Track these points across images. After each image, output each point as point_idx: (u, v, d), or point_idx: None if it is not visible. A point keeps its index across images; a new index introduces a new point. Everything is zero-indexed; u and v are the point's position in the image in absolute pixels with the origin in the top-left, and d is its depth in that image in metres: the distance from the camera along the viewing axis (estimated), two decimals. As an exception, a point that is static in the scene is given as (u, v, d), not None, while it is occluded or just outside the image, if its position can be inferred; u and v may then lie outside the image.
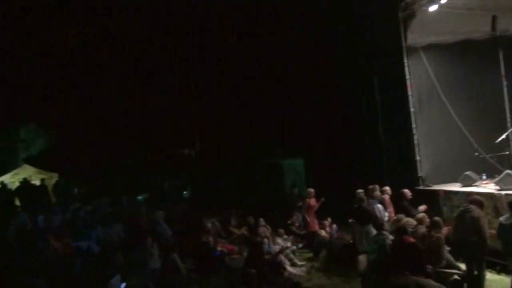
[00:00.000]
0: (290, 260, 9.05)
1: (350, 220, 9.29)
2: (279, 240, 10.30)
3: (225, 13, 22.76)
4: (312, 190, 11.42)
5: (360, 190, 9.20)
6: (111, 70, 24.81)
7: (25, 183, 16.41)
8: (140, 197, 15.94)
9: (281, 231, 10.92)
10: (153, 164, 21.68)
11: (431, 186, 10.35)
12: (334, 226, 10.99)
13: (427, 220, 7.39)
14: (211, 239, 9.44)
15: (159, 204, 12.84)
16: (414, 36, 10.98)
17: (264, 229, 10.16)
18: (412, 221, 7.51)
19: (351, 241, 8.96)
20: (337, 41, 16.83)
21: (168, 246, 8.25)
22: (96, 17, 25.06)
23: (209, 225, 10.51)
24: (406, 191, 9.07)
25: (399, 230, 6.54)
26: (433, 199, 9.49)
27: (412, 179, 10.64)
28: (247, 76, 22.47)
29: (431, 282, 5.73)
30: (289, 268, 8.43)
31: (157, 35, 24.46)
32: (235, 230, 11.59)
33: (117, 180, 18.48)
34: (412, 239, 6.37)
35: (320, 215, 11.28)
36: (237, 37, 22.96)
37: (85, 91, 25.18)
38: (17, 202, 15.51)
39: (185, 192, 19.12)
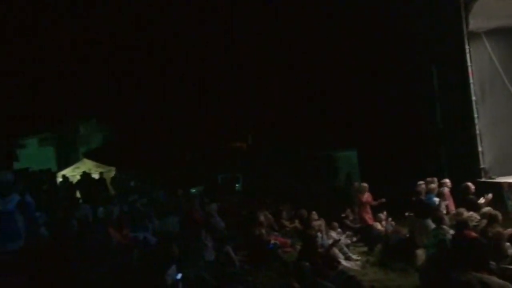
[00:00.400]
0: (344, 254, 8.94)
1: (407, 213, 9.04)
2: (332, 233, 10.20)
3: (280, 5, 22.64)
4: (365, 185, 11.17)
5: (420, 182, 8.93)
6: (166, 67, 25.42)
7: (85, 176, 17.17)
8: (194, 190, 16.28)
9: (335, 224, 10.80)
10: (206, 158, 22.05)
11: (494, 178, 9.90)
12: (391, 220, 10.73)
13: (494, 214, 7.02)
14: (264, 231, 9.49)
15: (212, 196, 13.04)
16: (476, 21, 10.47)
17: (318, 222, 10.08)
18: (475, 216, 7.20)
19: (407, 235, 8.73)
20: (392, 27, 16.29)
21: (222, 238, 8.39)
22: (154, 19, 25.77)
23: (262, 217, 10.58)
24: (470, 184, 8.70)
25: (460, 224, 6.29)
26: (497, 192, 9.05)
27: (474, 171, 10.21)
28: (297, 68, 22.33)
29: (496, 279, 5.46)
30: (344, 262, 8.32)
31: (210, 32, 24.73)
32: (288, 223, 11.60)
33: (172, 173, 18.94)
34: (474, 234, 6.11)
35: (375, 209, 11.05)
36: (284, 29, 22.82)
37: (143, 87, 25.97)
38: (78, 195, 16.29)
39: (237, 185, 19.34)
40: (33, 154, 26.15)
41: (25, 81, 24.62)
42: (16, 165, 24.59)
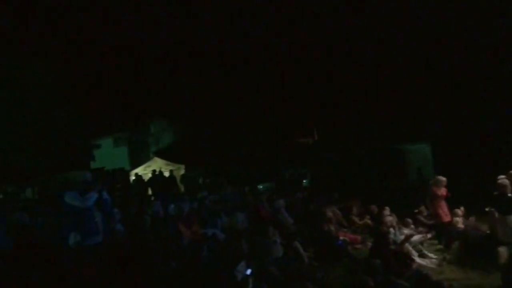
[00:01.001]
0: (418, 251, 8.61)
1: (487, 209, 8.54)
2: (405, 230, 9.86)
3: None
4: (443, 178, 10.61)
5: (502, 176, 8.40)
6: (234, 67, 25.85)
7: (156, 174, 17.85)
8: (261, 186, 16.42)
9: (408, 220, 10.43)
10: (273, 154, 22.15)
11: None
12: (469, 216, 10.18)
13: None
14: (333, 228, 9.39)
15: (280, 193, 13.08)
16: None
17: (390, 218, 9.79)
18: None
19: (488, 232, 8.25)
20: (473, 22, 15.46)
21: (290, 235, 8.39)
22: (225, 21, 26.36)
23: (330, 213, 10.46)
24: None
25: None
26: None
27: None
28: (365, 60, 21.85)
29: None
30: (418, 260, 8.03)
31: (277, 31, 24.82)
32: (357, 219, 11.38)
33: (240, 170, 19.21)
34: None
35: (452, 204, 10.53)
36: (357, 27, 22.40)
37: (211, 87, 26.61)
38: (150, 192, 16.99)
39: (305, 180, 19.25)
40: (108, 154, 27.59)
41: (101, 84, 26.03)
42: (93, 165, 26.11)
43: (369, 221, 10.84)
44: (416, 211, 11.24)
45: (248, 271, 5.47)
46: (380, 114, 20.00)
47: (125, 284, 6.09)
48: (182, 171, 19.92)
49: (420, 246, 8.88)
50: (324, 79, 23.69)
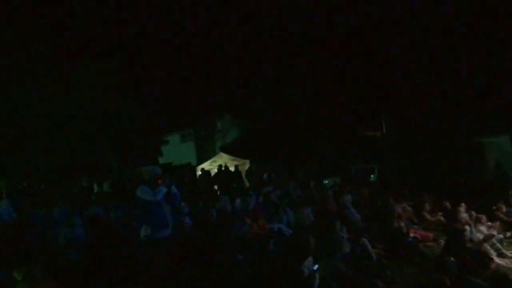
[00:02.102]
0: (497, 250, 8.15)
1: None
2: (482, 227, 9.37)
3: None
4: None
5: None
6: (297, 60, 25.75)
7: (222, 169, 18.18)
8: (326, 181, 16.25)
9: (484, 217, 9.91)
10: (339, 148, 21.84)
11: None
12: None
13: None
14: (403, 224, 9.12)
15: (346, 187, 12.88)
16: None
17: (465, 215, 9.35)
18: None
19: None
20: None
21: (357, 230, 8.25)
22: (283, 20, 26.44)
23: (400, 210, 10.17)
24: None
25: None
26: None
27: None
28: (437, 51, 20.96)
29: None
30: (496, 259, 7.60)
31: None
32: (429, 216, 10.97)
33: (305, 165, 19.12)
34: None
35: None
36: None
37: (275, 83, 26.72)
38: (216, 187, 17.34)
39: (372, 175, 18.82)
40: (175, 150, 28.53)
41: (169, 81, 26.87)
42: (161, 160, 27.10)
43: (442, 218, 10.41)
44: (495, 207, 10.66)
45: (315, 267, 5.44)
46: (456, 105, 19.04)
47: (193, 276, 6.28)
48: (247, 166, 20.15)
49: (499, 245, 8.40)
50: (392, 68, 22.93)
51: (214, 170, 19.38)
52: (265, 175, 17.47)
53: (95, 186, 18.70)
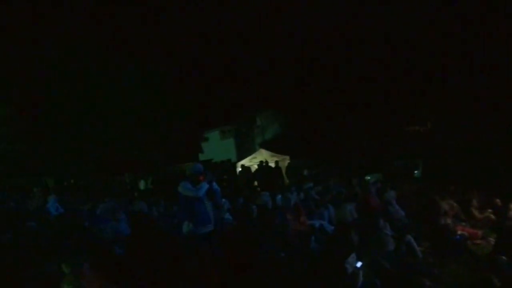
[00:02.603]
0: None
1: None
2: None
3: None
4: None
5: None
6: (335, 58, 25.43)
7: (262, 165, 18.21)
8: (368, 177, 16.00)
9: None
10: (382, 144, 21.43)
11: None
12: None
13: None
14: (449, 221, 8.86)
15: (389, 184, 12.63)
16: None
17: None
18: None
19: None
20: None
21: (402, 228, 8.09)
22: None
23: (446, 206, 9.88)
24: None
25: None
26: None
27: None
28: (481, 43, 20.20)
29: None
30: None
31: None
32: (477, 213, 10.60)
33: (346, 161, 18.91)
34: None
35: None
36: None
37: (308, 78, 26.53)
38: (256, 183, 17.40)
39: (416, 171, 18.39)
40: (215, 146, 28.83)
41: (208, 78, 27.16)
42: (201, 157, 27.46)
43: (491, 215, 10.04)
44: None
45: (359, 264, 5.37)
46: (506, 98, 18.20)
47: (234, 272, 6.32)
48: (287, 162, 20.09)
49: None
50: (437, 61, 22.22)
51: (254, 167, 19.43)
52: (305, 171, 17.38)
53: (142, 182, 19.20)
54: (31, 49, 22.04)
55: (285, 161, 20.41)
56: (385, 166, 18.41)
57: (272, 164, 19.15)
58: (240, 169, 20.53)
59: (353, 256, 5.37)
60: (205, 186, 6.32)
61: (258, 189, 15.96)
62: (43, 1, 23.84)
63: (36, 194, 14.75)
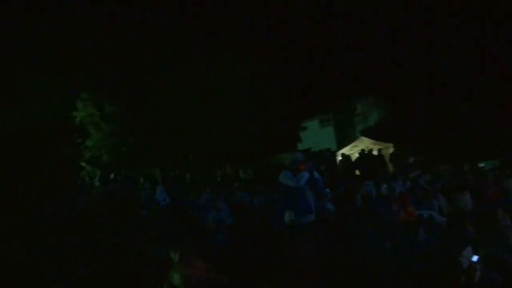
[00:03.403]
0: None
1: None
2: None
3: None
4: None
5: None
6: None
7: (364, 154, 17.76)
8: (482, 164, 14.91)
9: None
10: (498, 126, 19.76)
11: None
12: None
13: None
14: None
15: (508, 172, 11.62)
16: None
17: None
18: None
19: None
20: None
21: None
22: None
23: None
24: None
25: None
26: None
27: None
28: None
29: None
30: None
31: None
32: None
33: (456, 147, 17.76)
34: None
35: None
36: None
37: (415, 61, 25.27)
38: (357, 172, 17.01)
39: (539, 158, 16.72)
40: (314, 135, 28.65)
41: (306, 66, 27.04)
42: (299, 147, 27.47)
43: None
44: None
45: (475, 258, 4.98)
46: None
47: (337, 263, 6.23)
48: (391, 150, 19.36)
49: None
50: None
51: (355, 155, 19.01)
52: (411, 159, 16.62)
53: (242, 172, 19.71)
54: (135, 47, 23.58)
55: (388, 148, 19.69)
56: (500, 152, 16.98)
57: (375, 152, 18.59)
58: (340, 158, 20.20)
59: (468, 249, 4.99)
60: (306, 175, 6.27)
61: (361, 178, 15.59)
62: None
63: (145, 184, 15.79)
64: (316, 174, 6.47)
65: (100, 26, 23.55)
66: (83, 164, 23.05)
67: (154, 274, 5.86)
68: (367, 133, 23.47)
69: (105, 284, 5.77)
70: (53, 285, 5.38)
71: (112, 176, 20.97)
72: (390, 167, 17.47)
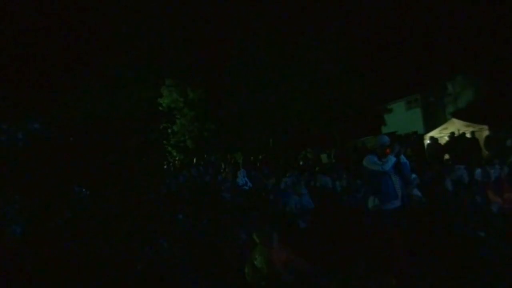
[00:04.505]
0: None
1: None
2: None
3: None
4: None
5: None
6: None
7: (455, 136, 16.85)
8: None
9: None
10: None
11: None
12: None
13: None
14: None
15: None
16: None
17: None
18: None
19: None
20: None
21: None
22: None
23: None
24: None
25: None
26: None
27: None
28: None
29: None
30: None
31: None
32: None
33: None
34: None
35: None
36: None
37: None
38: (447, 156, 16.19)
39: None
40: (400, 118, 27.68)
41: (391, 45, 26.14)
42: (384, 130, 26.68)
43: None
44: None
45: None
46: None
47: (419, 251, 6.01)
48: (486, 133, 18.17)
49: None
50: None
51: (445, 138, 18.08)
52: (509, 142, 15.51)
53: (324, 156, 19.55)
54: (216, 36, 24.24)
55: (482, 131, 18.51)
56: None
57: (468, 135, 17.56)
58: (428, 141, 19.32)
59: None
60: (392, 159, 6.03)
61: (450, 162, 14.83)
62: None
63: (227, 169, 16.18)
64: (403, 158, 6.20)
65: (183, 14, 24.40)
66: (169, 148, 24.12)
67: (238, 255, 6.01)
68: (458, 115, 22.21)
69: (189, 265, 6.00)
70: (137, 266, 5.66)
71: (195, 160, 21.73)
72: (485, 152, 16.44)
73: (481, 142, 16.90)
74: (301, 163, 18.93)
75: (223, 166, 17.84)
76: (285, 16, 24.23)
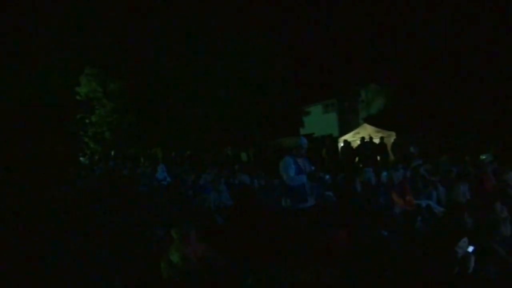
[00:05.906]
0: None
1: None
2: None
3: None
4: None
5: None
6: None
7: (365, 141, 17.74)
8: (484, 156, 14.90)
9: None
10: (500, 118, 19.64)
11: None
12: None
13: None
14: None
15: (507, 164, 11.63)
16: None
17: None
18: None
19: None
20: None
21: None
22: None
23: None
24: None
25: None
26: None
27: None
28: None
29: None
30: None
31: None
32: None
33: (458, 138, 17.73)
34: None
35: None
36: None
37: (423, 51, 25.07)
38: (356, 159, 17.02)
39: (541, 152, 16.67)
40: (317, 121, 28.64)
41: (311, 52, 26.91)
42: (302, 131, 27.46)
43: None
44: None
45: (471, 249, 5.05)
46: None
47: (332, 248, 6.29)
48: (393, 138, 19.34)
49: None
50: None
51: (357, 142, 18.99)
52: (411, 148, 16.63)
53: (243, 155, 19.73)
54: (140, 25, 23.52)
55: (390, 137, 19.67)
56: (501, 144, 16.93)
57: (377, 140, 18.57)
58: (342, 144, 20.22)
59: (465, 240, 5.06)
60: (303, 179, 6.23)
61: (361, 165, 15.60)
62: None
63: (146, 163, 15.90)
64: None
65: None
66: (86, 140, 23.11)
67: (154, 251, 5.95)
68: (370, 121, 23.41)
69: (104, 260, 5.86)
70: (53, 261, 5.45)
71: (112, 153, 21.08)
72: (391, 156, 17.47)
73: (389, 147, 17.94)
74: (220, 160, 19.00)
75: (142, 160, 17.49)
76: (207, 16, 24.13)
